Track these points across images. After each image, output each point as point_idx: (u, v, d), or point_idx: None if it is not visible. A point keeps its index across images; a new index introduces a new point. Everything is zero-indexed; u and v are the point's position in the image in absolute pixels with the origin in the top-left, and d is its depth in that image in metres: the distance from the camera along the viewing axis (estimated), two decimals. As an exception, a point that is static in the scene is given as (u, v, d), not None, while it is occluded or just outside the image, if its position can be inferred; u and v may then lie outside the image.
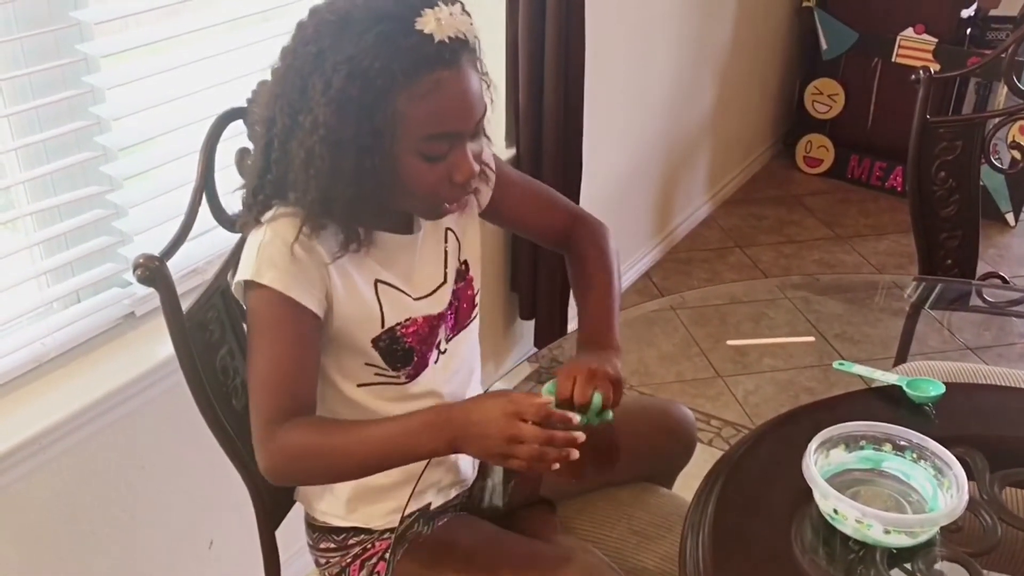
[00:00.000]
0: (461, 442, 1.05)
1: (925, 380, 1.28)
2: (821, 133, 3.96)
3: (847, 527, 1.05)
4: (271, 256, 1.11)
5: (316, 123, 1.05)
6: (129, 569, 1.67)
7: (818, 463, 1.09)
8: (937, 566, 1.04)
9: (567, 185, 2.39)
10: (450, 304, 1.29)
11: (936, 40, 3.58)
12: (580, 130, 2.39)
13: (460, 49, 1.07)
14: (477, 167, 1.13)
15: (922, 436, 1.12)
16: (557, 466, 1.03)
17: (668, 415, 1.55)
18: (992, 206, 3.61)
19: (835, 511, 1.05)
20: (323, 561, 1.32)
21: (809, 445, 1.10)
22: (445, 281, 1.28)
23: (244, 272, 1.11)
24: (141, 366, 1.57)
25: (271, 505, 1.32)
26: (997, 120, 1.78)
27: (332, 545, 1.30)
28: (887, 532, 1.02)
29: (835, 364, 1.36)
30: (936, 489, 1.10)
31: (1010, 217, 3.60)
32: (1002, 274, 1.84)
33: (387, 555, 1.28)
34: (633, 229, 3.17)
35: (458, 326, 1.32)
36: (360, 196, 1.10)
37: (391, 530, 1.29)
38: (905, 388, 1.28)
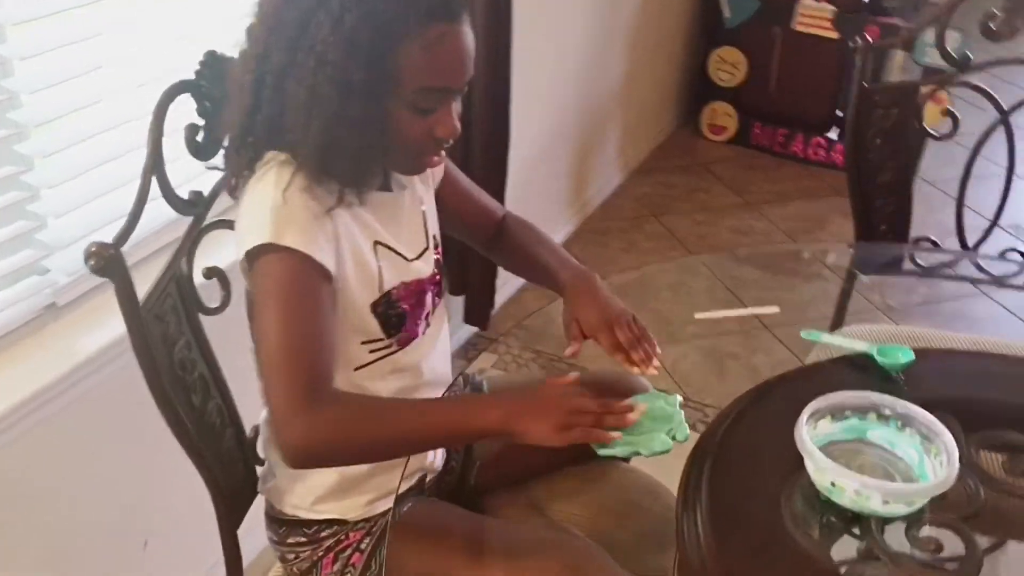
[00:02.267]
0: (518, 417, 1.03)
1: (895, 347, 1.29)
2: (725, 101, 4.00)
3: (844, 498, 1.04)
4: (289, 213, 1.04)
5: (322, 61, 1.01)
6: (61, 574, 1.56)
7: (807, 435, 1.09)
8: (927, 532, 1.05)
9: (495, 155, 2.34)
10: (433, 272, 1.26)
11: (834, 8, 3.65)
12: (508, 94, 2.33)
13: (465, 4, 1.06)
14: (459, 125, 1.11)
15: (907, 404, 1.13)
16: (617, 434, 1.04)
17: (622, 386, 1.54)
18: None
19: (832, 483, 1.04)
20: (291, 556, 1.25)
21: (801, 416, 1.09)
22: (427, 246, 1.26)
23: (259, 234, 1.03)
24: (67, 362, 1.45)
25: (233, 503, 1.24)
26: (930, 87, 1.81)
27: (302, 539, 1.23)
28: (885, 503, 1.02)
29: (802, 333, 1.36)
30: (922, 456, 1.10)
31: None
32: (932, 238, 1.88)
33: (363, 545, 1.22)
34: (552, 199, 3.14)
35: (440, 297, 1.30)
36: (364, 144, 1.06)
37: (365, 520, 1.23)
38: (876, 356, 1.29)
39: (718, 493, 1.10)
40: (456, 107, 1.11)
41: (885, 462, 1.13)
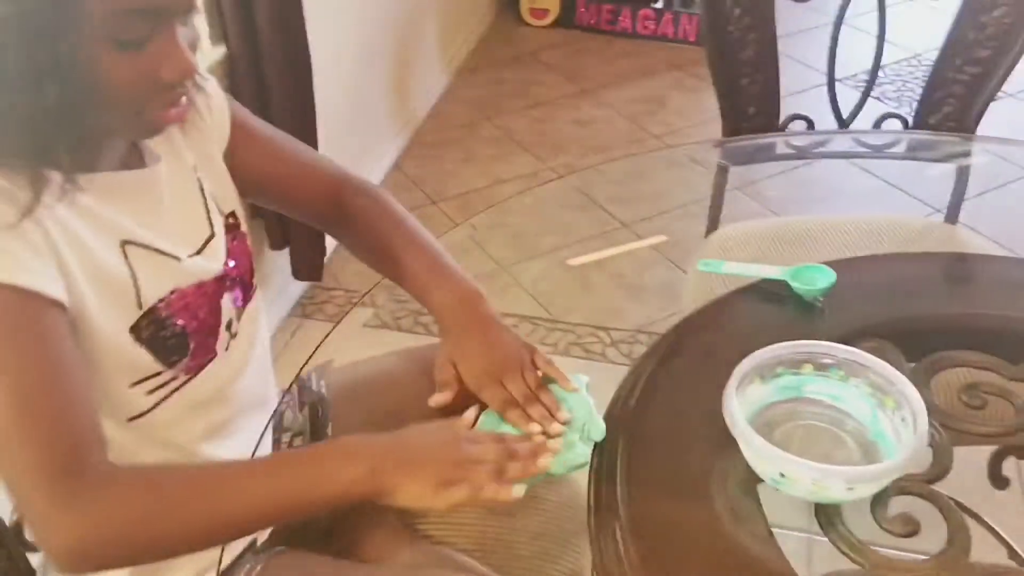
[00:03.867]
0: (387, 472, 0.79)
1: (810, 268, 1.07)
2: (544, -20, 3.70)
3: (798, 489, 0.83)
4: None
5: None
6: None
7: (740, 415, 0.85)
8: (895, 508, 0.84)
9: (296, 84, 1.98)
10: (226, 264, 0.95)
11: None
12: (301, 14, 1.96)
13: None
14: (194, 59, 0.80)
15: (851, 350, 0.91)
16: (521, 490, 0.82)
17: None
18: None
19: (781, 474, 0.82)
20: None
21: (727, 389, 0.86)
22: (213, 233, 0.94)
23: None
24: None
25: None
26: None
27: None
28: (850, 489, 0.81)
29: (699, 265, 1.12)
30: (875, 411, 0.89)
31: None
32: (806, 115, 1.68)
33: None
34: (374, 116, 2.79)
35: (246, 297, 0.99)
36: (42, 112, 0.73)
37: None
38: (790, 282, 1.06)
39: (637, 491, 0.86)
40: (185, 33, 0.79)
41: (831, 422, 0.92)
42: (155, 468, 0.83)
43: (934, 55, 1.63)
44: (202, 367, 0.92)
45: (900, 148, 1.73)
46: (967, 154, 1.68)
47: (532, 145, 3.03)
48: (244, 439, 1.00)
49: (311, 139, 2.08)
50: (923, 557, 0.80)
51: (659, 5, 3.67)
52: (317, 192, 1.09)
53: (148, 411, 0.88)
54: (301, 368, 1.11)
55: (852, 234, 1.63)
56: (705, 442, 0.91)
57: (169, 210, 0.90)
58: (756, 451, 0.82)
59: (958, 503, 0.84)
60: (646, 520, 0.85)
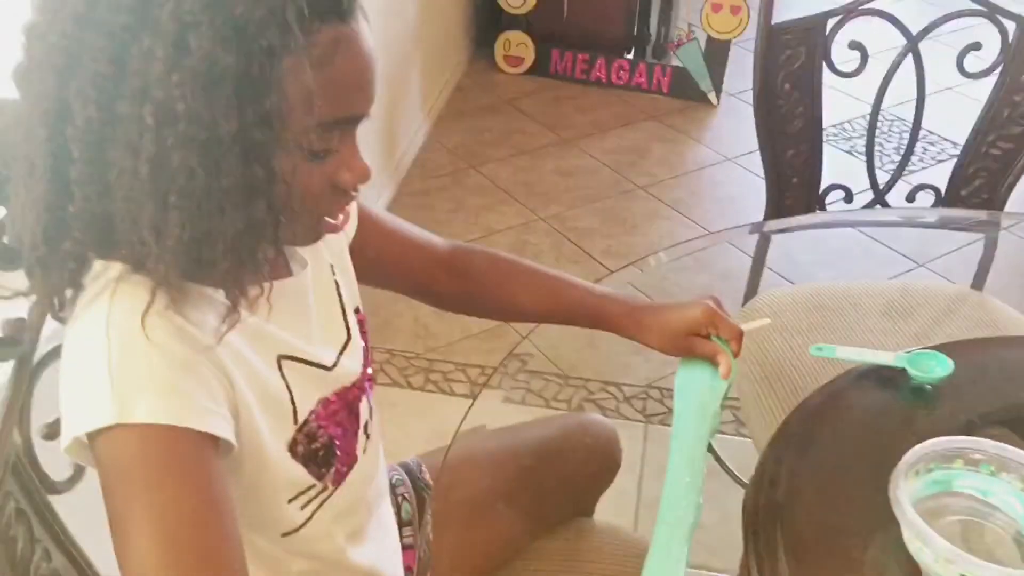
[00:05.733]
0: None
1: (928, 354, 1.09)
2: (518, 29, 3.72)
3: (978, 592, 0.83)
4: (139, 370, 0.67)
5: (168, 113, 0.64)
6: None
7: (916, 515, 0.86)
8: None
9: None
10: (364, 367, 0.92)
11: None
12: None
13: None
14: (369, 166, 0.78)
15: (1002, 445, 0.92)
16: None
17: (587, 430, 1.27)
18: (693, 87, 3.62)
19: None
20: None
21: (898, 492, 0.86)
22: (350, 337, 0.91)
23: (97, 413, 0.65)
24: None
25: None
26: (837, 19, 1.61)
27: None
28: (1034, 590, 0.82)
29: (812, 350, 1.13)
30: (1027, 504, 0.91)
31: (712, 96, 3.63)
32: (846, 185, 1.72)
33: None
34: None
35: (372, 388, 0.96)
36: (251, 227, 0.69)
37: None
38: (909, 370, 1.08)
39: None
40: (357, 138, 0.77)
41: (980, 516, 0.93)
42: None
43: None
44: (346, 475, 0.88)
45: (932, 217, 1.78)
46: (996, 226, 1.74)
47: (519, 194, 3.02)
48: (379, 540, 0.97)
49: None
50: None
51: (631, 56, 3.73)
52: (435, 261, 1.08)
53: (301, 526, 0.84)
54: (449, 447, 1.10)
55: (892, 299, 1.67)
56: (862, 538, 0.91)
57: (315, 316, 0.86)
58: (937, 552, 0.83)
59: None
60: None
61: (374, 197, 2.80)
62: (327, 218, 0.79)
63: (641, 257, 2.67)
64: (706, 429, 0.95)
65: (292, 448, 0.81)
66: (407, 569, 1.06)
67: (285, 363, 0.81)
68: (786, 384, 1.43)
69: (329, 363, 0.86)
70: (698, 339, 1.01)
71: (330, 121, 0.71)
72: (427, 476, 1.14)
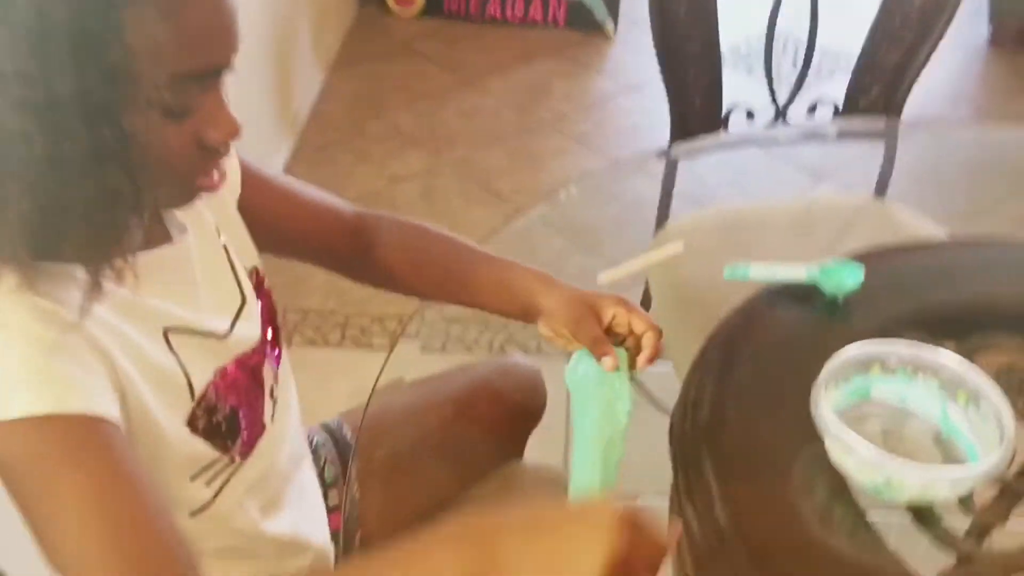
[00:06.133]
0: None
1: (836, 266, 1.09)
2: (407, -32, 3.62)
3: (902, 495, 0.84)
4: (3, 361, 0.63)
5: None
6: None
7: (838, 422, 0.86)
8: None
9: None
10: (263, 329, 0.88)
11: None
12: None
13: None
14: (237, 117, 0.73)
15: (915, 344, 0.93)
16: None
17: (508, 374, 1.25)
18: (589, 18, 3.58)
19: (887, 482, 0.83)
20: None
21: (819, 402, 0.86)
22: (244, 300, 0.87)
23: None
24: None
25: None
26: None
27: None
28: (955, 489, 0.83)
29: (726, 273, 1.12)
30: (944, 405, 0.92)
31: (608, 26, 3.59)
32: (747, 105, 1.71)
33: None
34: (264, 120, 2.66)
35: (279, 357, 0.92)
36: (106, 195, 0.64)
37: None
38: (821, 284, 1.08)
39: (732, 509, 0.85)
40: (224, 91, 0.72)
41: (899, 422, 0.94)
42: None
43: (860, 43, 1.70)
44: (254, 444, 0.84)
45: (831, 132, 1.79)
46: (893, 135, 1.76)
47: (423, 140, 2.96)
48: (300, 507, 0.94)
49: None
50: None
51: (524, -11, 3.68)
52: (337, 228, 1.02)
53: (209, 503, 0.80)
54: (367, 404, 1.05)
55: (800, 216, 1.69)
56: (787, 454, 0.91)
57: (202, 283, 0.82)
58: (861, 459, 0.83)
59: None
60: (751, 544, 0.85)
61: (272, 154, 2.71)
62: (198, 180, 0.73)
63: (548, 192, 2.66)
64: (613, 430, 0.88)
65: (192, 423, 0.77)
66: (334, 531, 1.03)
67: (173, 336, 0.76)
68: (702, 308, 1.43)
69: (222, 331, 0.82)
70: (595, 319, 0.93)
71: (186, 74, 0.66)
72: (349, 435, 1.11)
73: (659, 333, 0.92)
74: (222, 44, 0.69)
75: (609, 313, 0.92)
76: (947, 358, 0.92)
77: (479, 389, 1.18)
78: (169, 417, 0.74)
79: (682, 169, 1.77)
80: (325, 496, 1.05)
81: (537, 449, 1.24)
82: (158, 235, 0.78)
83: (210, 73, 0.69)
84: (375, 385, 1.08)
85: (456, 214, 2.63)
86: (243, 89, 2.54)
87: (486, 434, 1.16)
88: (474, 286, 0.99)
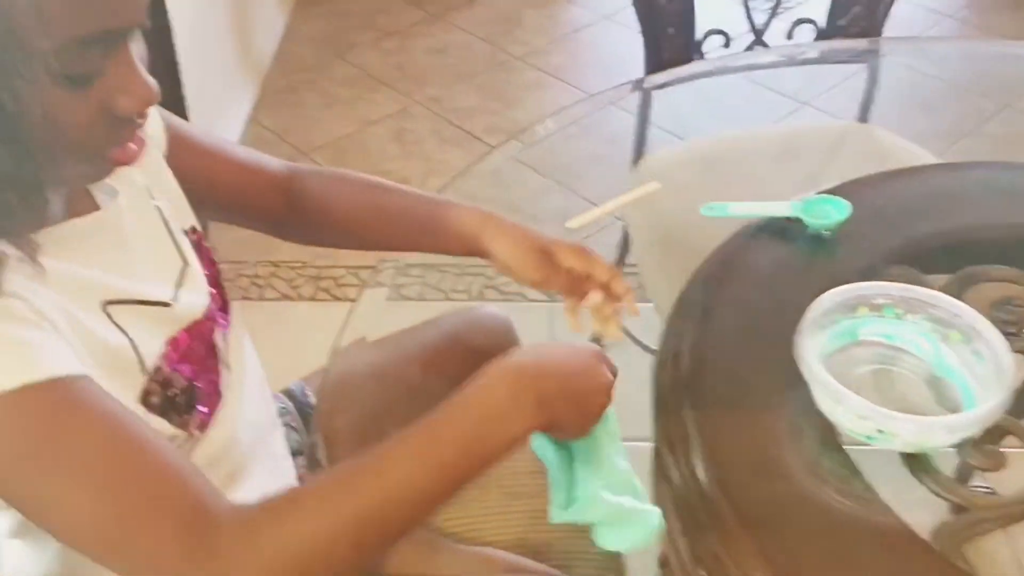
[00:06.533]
0: (558, 407, 0.73)
1: (823, 199, 1.03)
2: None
3: (895, 444, 0.79)
4: None
5: None
6: None
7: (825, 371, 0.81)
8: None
9: (157, 40, 1.76)
10: (208, 293, 0.83)
11: None
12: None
13: None
14: (154, 83, 0.65)
15: (903, 286, 0.88)
16: None
17: (476, 327, 1.19)
18: (561, -55, 3.45)
19: (879, 431, 0.78)
20: None
21: (804, 351, 0.81)
22: (186, 261, 0.81)
23: None
24: None
25: None
26: None
27: None
28: (950, 436, 0.79)
29: (703, 211, 1.06)
30: (937, 345, 0.87)
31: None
32: (723, 29, 1.63)
33: None
34: (220, 69, 2.56)
35: (227, 319, 0.86)
36: (11, 171, 0.59)
37: None
38: (805, 219, 1.02)
39: (716, 463, 0.81)
40: (138, 51, 0.64)
41: (889, 362, 0.89)
42: (285, 490, 0.69)
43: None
44: (211, 416, 0.79)
45: (813, 53, 1.72)
46: (876, 55, 1.68)
47: (392, 80, 2.87)
48: (267, 477, 0.89)
49: (178, 99, 1.88)
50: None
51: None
52: (267, 186, 0.96)
53: None
54: (327, 368, 1.00)
55: (781, 143, 1.62)
56: (773, 404, 0.87)
57: (138, 249, 0.75)
58: (851, 409, 0.78)
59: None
60: (735, 501, 0.80)
61: (235, 100, 2.61)
62: (113, 153, 0.66)
63: (522, 129, 2.58)
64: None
65: (146, 400, 0.72)
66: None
67: (113, 308, 0.70)
68: (684, 246, 1.37)
69: (167, 298, 0.76)
70: (552, 268, 0.90)
71: (84, 38, 0.58)
72: (313, 400, 1.05)
73: (621, 275, 0.90)
74: (123, 1, 0.61)
75: (565, 262, 0.88)
76: (937, 297, 0.86)
77: (447, 344, 1.12)
78: (121, 396, 0.68)
79: (659, 99, 1.70)
80: (294, 464, 1.00)
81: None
82: (84, 202, 0.72)
83: (113, 34, 0.61)
84: (335, 345, 1.02)
85: (430, 156, 2.55)
86: (201, 33, 2.48)
87: (456, 387, 1.11)
88: (413, 231, 0.94)
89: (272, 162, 0.97)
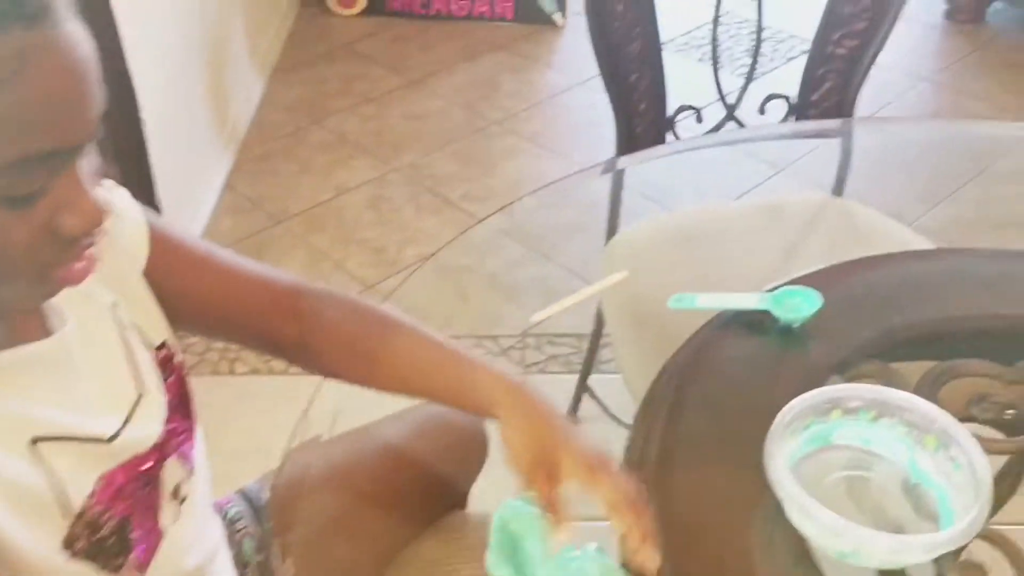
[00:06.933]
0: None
1: (793, 291, 1.01)
2: (347, -34, 3.50)
3: (871, 561, 0.76)
4: None
5: None
6: None
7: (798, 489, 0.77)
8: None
9: (123, 124, 1.74)
10: (167, 424, 0.77)
11: None
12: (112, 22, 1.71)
13: None
14: (100, 203, 0.61)
15: (877, 388, 0.85)
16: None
17: (445, 420, 1.15)
18: (536, 10, 3.48)
19: (854, 549, 0.75)
20: None
21: (773, 464, 0.78)
22: (143, 392, 0.75)
23: None
24: None
25: None
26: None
27: None
28: (928, 554, 0.75)
29: (671, 303, 1.03)
30: (912, 450, 0.84)
31: (557, 18, 3.50)
32: (695, 104, 1.62)
33: None
34: (199, 135, 2.54)
35: (191, 446, 0.80)
36: None
37: None
38: (775, 312, 0.99)
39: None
40: (87, 165, 0.60)
41: (864, 467, 0.86)
42: None
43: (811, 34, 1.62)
44: (152, 556, 0.74)
45: (786, 128, 1.71)
46: (849, 133, 1.68)
47: (370, 146, 2.85)
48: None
49: (143, 164, 1.86)
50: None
51: (471, -17, 3.56)
52: (266, 306, 0.87)
53: None
54: (279, 469, 0.95)
55: (756, 219, 1.60)
56: (743, 515, 0.83)
57: (86, 378, 0.71)
58: (824, 527, 0.75)
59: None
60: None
61: (210, 167, 2.59)
62: (57, 274, 0.62)
63: (498, 197, 2.57)
64: None
65: (70, 545, 0.66)
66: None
67: (44, 445, 0.65)
68: (656, 327, 1.35)
69: (108, 434, 0.71)
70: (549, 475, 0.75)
71: (28, 158, 0.55)
72: (265, 499, 1.01)
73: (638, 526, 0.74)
74: (70, 122, 0.57)
75: (568, 475, 0.74)
76: (913, 401, 0.83)
77: (413, 439, 1.08)
78: (36, 541, 0.64)
79: (635, 171, 1.69)
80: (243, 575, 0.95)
81: (479, 500, 1.15)
82: (32, 328, 0.68)
83: (58, 155, 0.57)
84: (288, 445, 0.98)
85: (407, 224, 2.53)
86: (176, 100, 2.45)
87: (422, 489, 1.07)
88: (438, 388, 0.86)
89: (276, 278, 0.89)
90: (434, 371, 0.85)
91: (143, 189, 1.90)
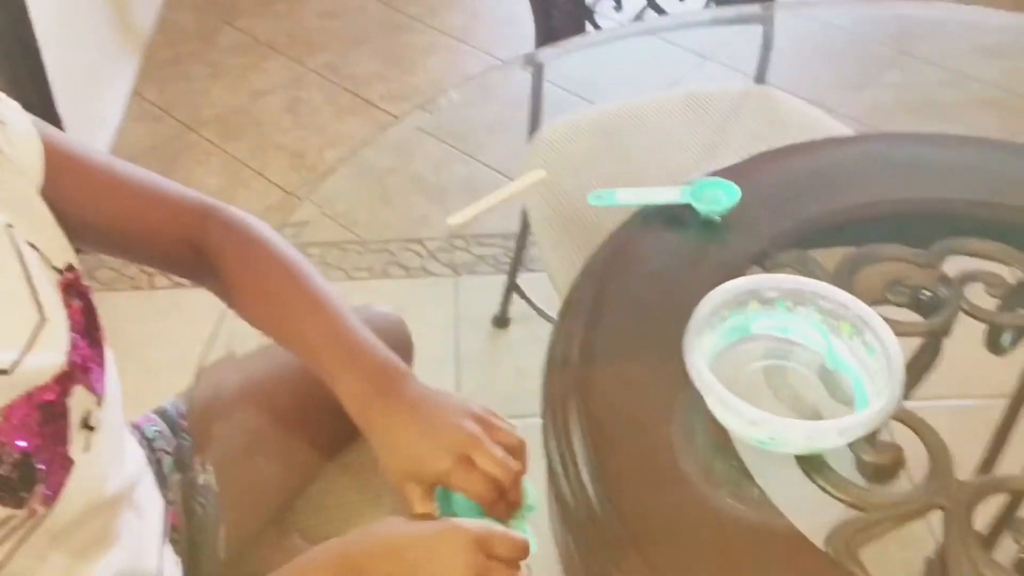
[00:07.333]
0: None
1: (712, 182, 1.00)
2: None
3: (788, 448, 0.77)
4: None
5: None
6: None
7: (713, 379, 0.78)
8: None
9: (9, 26, 1.63)
10: (71, 352, 0.72)
11: None
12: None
13: None
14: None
15: (793, 277, 0.85)
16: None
17: (374, 328, 1.12)
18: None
19: (771, 437, 0.76)
20: None
21: (692, 357, 0.78)
22: (44, 317, 0.70)
23: None
24: None
25: None
26: None
27: None
28: (843, 437, 0.76)
29: (591, 199, 1.01)
30: (828, 337, 0.85)
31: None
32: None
33: None
34: (98, 43, 2.41)
35: (101, 372, 0.76)
36: None
37: None
38: (695, 205, 0.98)
39: (604, 470, 0.78)
40: None
41: (781, 356, 0.86)
42: None
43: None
44: (61, 486, 0.71)
45: (706, 16, 1.68)
46: (771, 18, 1.65)
47: (284, 47, 2.74)
48: (135, 536, 0.82)
49: (37, 73, 1.75)
50: (909, 487, 0.78)
51: None
52: (169, 228, 0.84)
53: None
54: (192, 388, 0.92)
55: (678, 110, 1.58)
56: (664, 408, 0.83)
57: None
58: (742, 417, 0.75)
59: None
60: (624, 503, 0.77)
61: (115, 74, 2.47)
62: None
63: (421, 95, 2.50)
64: None
65: None
66: (173, 527, 0.92)
67: None
68: (579, 225, 1.33)
69: (7, 364, 0.67)
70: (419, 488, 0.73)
71: None
72: (183, 417, 0.98)
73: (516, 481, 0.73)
74: None
75: (436, 483, 0.72)
76: (827, 289, 0.83)
77: None
78: None
79: (559, 62, 1.64)
80: (164, 494, 0.93)
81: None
82: None
83: None
84: (201, 362, 0.95)
85: (326, 127, 2.46)
86: (80, 14, 2.32)
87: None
88: (310, 365, 0.82)
89: (184, 196, 0.85)
90: (312, 355, 0.81)
91: (40, 100, 1.80)
